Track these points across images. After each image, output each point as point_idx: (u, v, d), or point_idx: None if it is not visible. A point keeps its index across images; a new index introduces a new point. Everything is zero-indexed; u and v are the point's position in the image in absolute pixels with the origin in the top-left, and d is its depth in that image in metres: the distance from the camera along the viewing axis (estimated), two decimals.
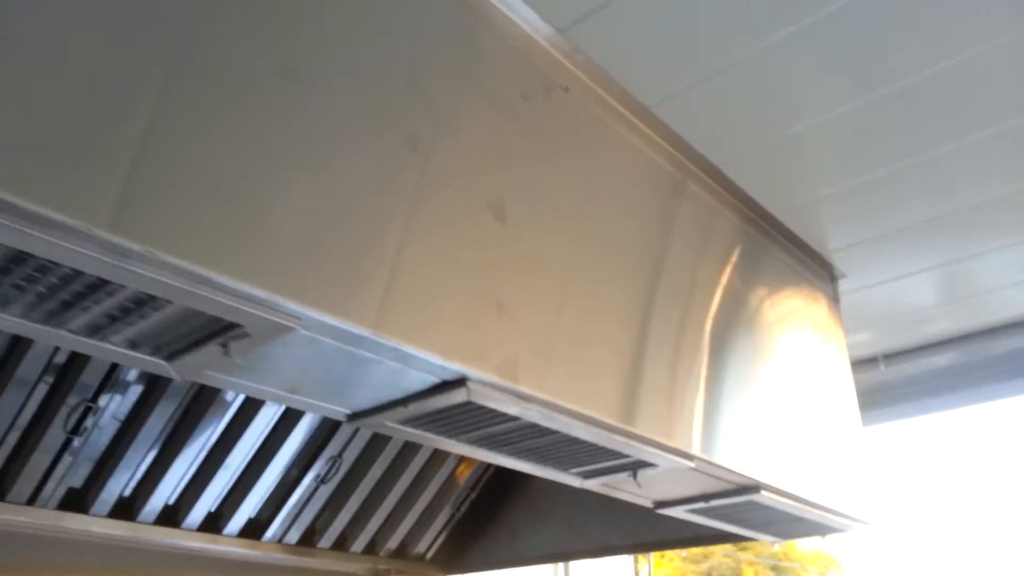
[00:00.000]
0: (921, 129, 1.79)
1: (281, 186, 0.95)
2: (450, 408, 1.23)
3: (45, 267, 0.81)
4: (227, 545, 2.46)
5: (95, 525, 2.21)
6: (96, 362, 2.00)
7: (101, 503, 2.22)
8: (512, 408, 1.24)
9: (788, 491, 1.83)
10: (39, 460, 2.03)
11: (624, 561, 3.96)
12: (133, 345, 1.00)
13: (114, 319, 0.93)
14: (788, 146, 1.83)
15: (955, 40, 1.53)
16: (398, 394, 1.20)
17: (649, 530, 2.56)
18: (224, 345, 0.97)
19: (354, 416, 1.27)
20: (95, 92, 0.79)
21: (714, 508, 1.90)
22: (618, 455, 1.51)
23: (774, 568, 20.23)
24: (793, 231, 2.18)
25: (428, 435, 1.36)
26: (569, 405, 1.28)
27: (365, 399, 1.23)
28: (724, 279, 1.86)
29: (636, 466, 1.58)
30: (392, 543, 2.86)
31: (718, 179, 1.91)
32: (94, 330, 0.95)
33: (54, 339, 0.94)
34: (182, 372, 1.05)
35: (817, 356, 2.22)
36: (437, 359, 1.08)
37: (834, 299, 2.41)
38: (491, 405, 1.22)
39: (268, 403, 2.30)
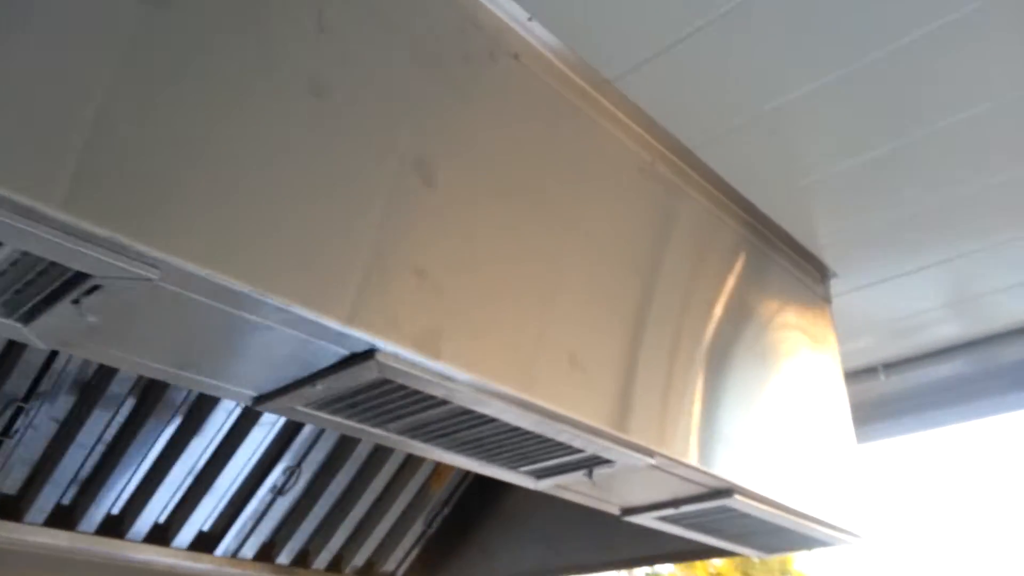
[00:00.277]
0: (916, 102, 1.64)
1: (146, 118, 0.83)
2: (365, 388, 1.09)
3: None
4: (176, 558, 2.31)
5: (30, 534, 2.07)
6: (31, 356, 1.88)
7: (37, 511, 2.08)
8: (436, 389, 1.10)
9: (767, 497, 1.67)
10: None
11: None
12: None
13: None
14: (767, 124, 1.70)
15: None
16: (303, 371, 1.06)
17: (630, 545, 2.40)
18: (76, 302, 0.84)
19: (260, 399, 1.14)
20: None
21: (686, 515, 1.74)
22: (569, 449, 1.36)
23: None
24: (778, 223, 2.03)
25: (349, 423, 1.22)
26: (504, 388, 1.14)
27: (268, 378, 1.09)
28: (693, 267, 1.72)
29: (591, 463, 1.44)
30: (358, 560, 2.70)
31: (690, 162, 1.77)
32: None
33: None
34: (43, 337, 0.92)
35: (806, 359, 2.07)
36: (335, 324, 0.94)
37: (825, 299, 2.26)
38: (410, 384, 1.08)
39: (220, 407, 2.17)
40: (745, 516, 1.75)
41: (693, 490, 1.65)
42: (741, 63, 1.56)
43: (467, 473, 2.75)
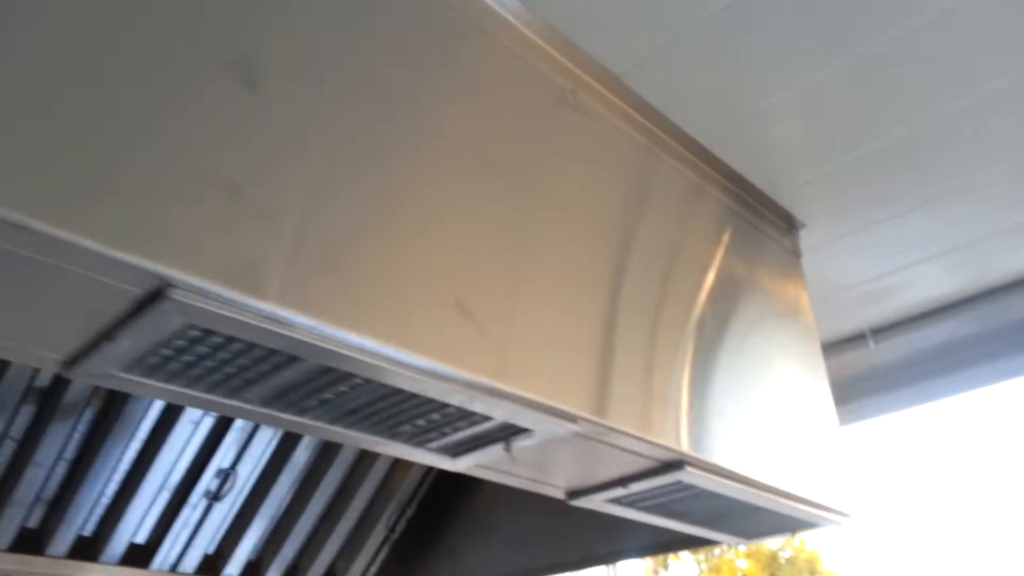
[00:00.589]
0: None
1: None
2: (176, 340, 0.89)
3: None
4: (105, 574, 2.12)
5: None
6: None
7: None
8: (273, 339, 0.90)
9: (727, 469, 1.46)
10: None
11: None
12: None
13: None
14: (705, 37, 1.49)
15: None
16: (95, 320, 0.86)
17: (605, 540, 2.19)
18: None
19: (69, 363, 0.94)
20: None
21: (638, 495, 1.53)
22: (473, 417, 1.16)
23: None
24: (728, 163, 1.81)
25: (193, 393, 1.02)
26: (367, 338, 0.94)
27: (66, 334, 0.90)
28: (628, 211, 1.51)
29: (506, 433, 1.23)
30: (316, 569, 2.50)
31: (616, 89, 1.57)
32: None
33: None
34: None
35: (775, 320, 1.85)
36: (98, 247, 0.74)
37: (795, 253, 2.04)
38: (234, 333, 0.88)
39: (134, 402, 1.98)
40: (708, 494, 1.54)
41: (641, 465, 1.43)
42: None
43: (429, 470, 2.54)
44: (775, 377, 1.74)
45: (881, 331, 2.62)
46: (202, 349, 0.93)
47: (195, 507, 2.17)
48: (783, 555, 19.96)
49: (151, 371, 0.96)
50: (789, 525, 1.76)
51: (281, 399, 1.07)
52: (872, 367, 2.79)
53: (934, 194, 1.95)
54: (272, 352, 0.94)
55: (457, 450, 1.29)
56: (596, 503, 1.56)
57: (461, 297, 1.07)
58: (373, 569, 2.61)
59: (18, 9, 0.76)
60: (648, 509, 1.64)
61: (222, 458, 2.14)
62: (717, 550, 21.61)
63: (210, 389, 1.03)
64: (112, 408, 1.95)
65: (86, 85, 0.78)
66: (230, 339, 0.90)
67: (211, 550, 2.31)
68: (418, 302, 1.02)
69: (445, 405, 1.11)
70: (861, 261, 2.26)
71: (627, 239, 1.47)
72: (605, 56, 1.51)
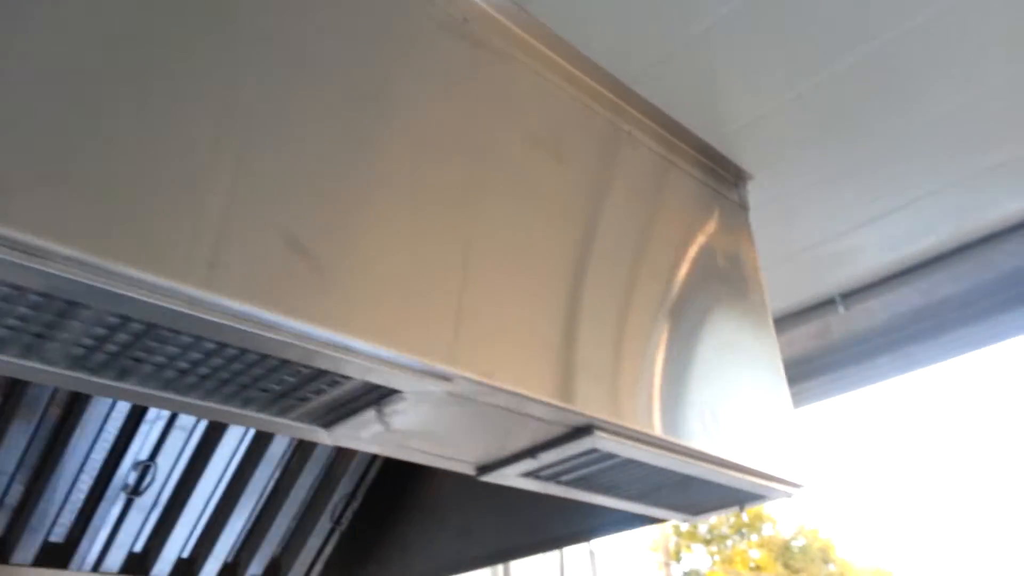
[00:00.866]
0: None
1: None
2: None
3: None
4: None
5: None
6: None
7: None
8: (29, 277, 0.75)
9: (647, 434, 1.30)
10: None
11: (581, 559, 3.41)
12: None
13: None
14: None
15: None
16: None
17: (552, 525, 2.05)
18: None
19: None
20: None
21: (552, 467, 1.38)
22: (328, 376, 1.01)
23: None
24: (652, 101, 1.65)
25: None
26: (155, 276, 0.79)
27: None
28: (539, 154, 1.36)
29: (375, 396, 1.09)
30: (256, 567, 2.36)
31: (521, 20, 1.42)
32: None
33: None
34: None
35: (715, 276, 1.70)
36: None
37: (742, 206, 1.88)
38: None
39: (41, 392, 1.84)
40: (632, 464, 1.39)
41: (550, 432, 1.29)
42: None
43: (374, 458, 2.40)
44: (716, 339, 1.59)
45: (851, 295, 2.46)
46: None
47: (113, 502, 2.03)
48: (796, 544, 19.77)
49: None
50: (732, 497, 1.61)
51: (87, 360, 0.92)
52: (843, 335, 2.63)
53: (897, 132, 1.78)
54: (47, 297, 0.80)
55: (327, 419, 1.15)
56: (510, 478, 1.42)
57: (295, 233, 0.92)
58: (320, 563, 2.47)
59: None
60: (572, 484, 1.49)
61: (138, 450, 2.00)
62: (729, 542, 21.45)
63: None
64: (12, 396, 1.82)
65: None
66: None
67: (138, 548, 2.17)
68: (235, 234, 0.87)
69: (286, 362, 0.96)
70: (822, 216, 2.10)
71: (522, 176, 1.32)
72: None
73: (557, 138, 1.42)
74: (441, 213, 1.12)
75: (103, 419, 1.90)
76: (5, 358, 0.90)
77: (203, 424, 2.06)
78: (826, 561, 19.30)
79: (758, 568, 20.37)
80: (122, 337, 0.88)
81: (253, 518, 2.30)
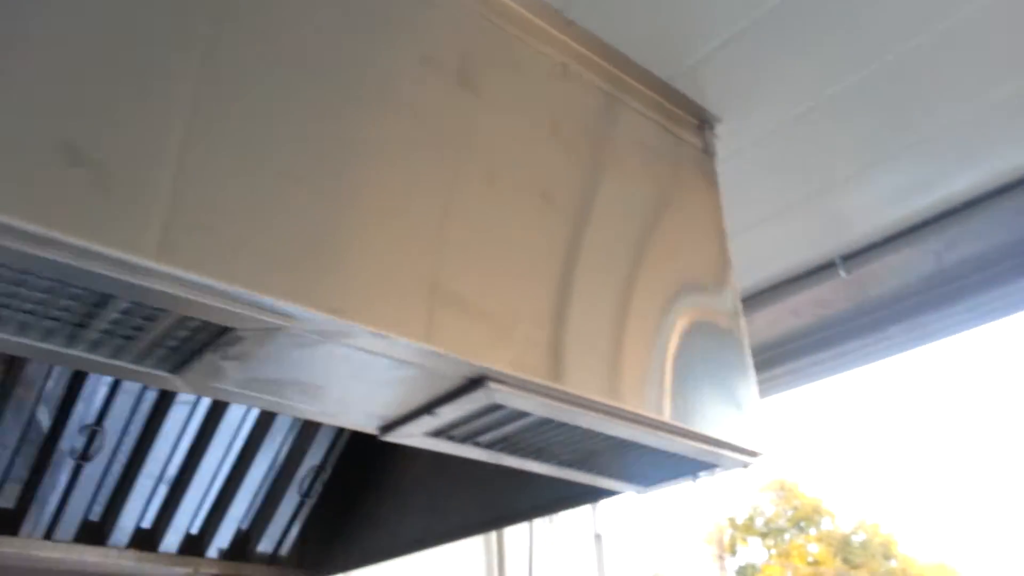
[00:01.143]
0: None
1: None
2: None
3: None
4: None
5: None
6: None
7: None
8: None
9: (555, 388, 1.16)
10: None
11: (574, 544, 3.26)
12: None
13: None
14: None
15: None
16: None
17: (512, 499, 1.92)
18: None
19: None
20: None
21: (462, 427, 1.25)
22: (143, 310, 0.90)
23: None
24: (591, 31, 1.49)
25: None
26: None
27: None
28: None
29: (208, 336, 0.97)
30: (222, 540, 2.29)
31: None
32: None
33: None
34: None
35: (673, 232, 1.54)
36: None
37: (705, 154, 1.71)
38: None
39: None
40: (552, 424, 1.25)
41: (443, 385, 1.16)
42: None
43: (340, 431, 2.31)
44: (659, 296, 1.43)
45: (853, 256, 2.24)
46: None
47: (60, 466, 1.97)
48: (856, 539, 19.17)
49: None
50: (682, 466, 1.46)
51: None
52: (848, 307, 2.42)
53: (897, 50, 1.56)
54: None
55: (172, 363, 1.04)
56: (416, 438, 1.29)
57: (68, 138, 0.81)
58: (291, 537, 2.39)
59: None
60: (495, 448, 1.35)
61: (84, 412, 1.94)
62: (787, 535, 20.93)
63: None
64: None
65: None
66: None
67: (93, 517, 2.12)
68: (5, 144, 0.77)
69: (86, 291, 0.86)
70: (811, 163, 1.90)
71: (400, 90, 1.19)
72: None
73: (461, 61, 1.28)
74: (296, 128, 1.00)
75: (43, 378, 1.84)
76: None
77: (152, 390, 1.99)
78: (887, 557, 18.66)
79: (816, 563, 19.84)
80: None
81: (216, 488, 2.22)
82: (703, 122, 1.71)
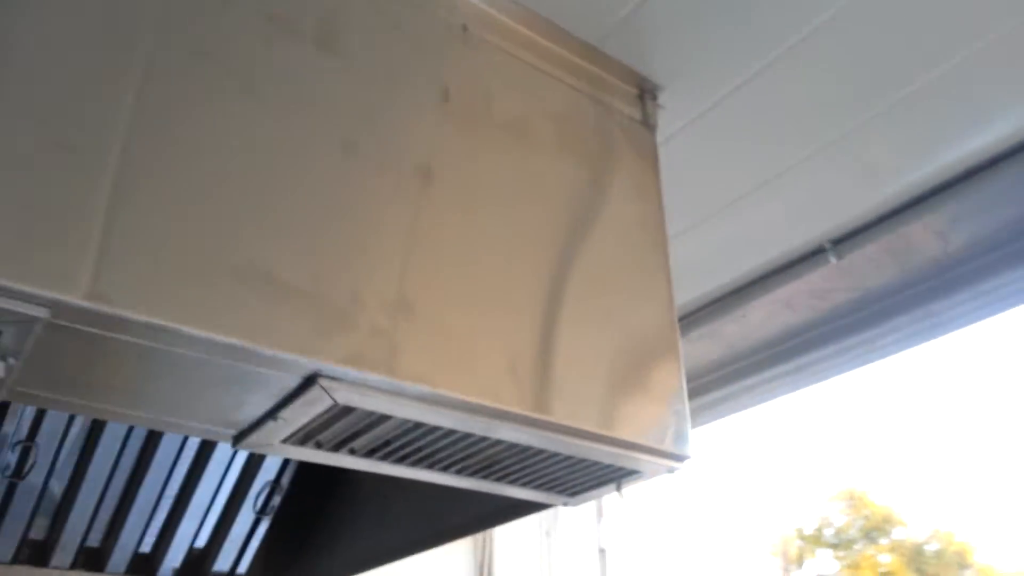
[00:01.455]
0: None
1: None
2: None
3: None
4: None
5: None
6: None
7: None
8: None
9: (410, 387, 1.01)
10: None
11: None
12: None
13: None
14: None
15: None
16: None
17: (451, 514, 1.76)
18: None
19: None
20: None
21: (317, 432, 1.10)
22: None
23: None
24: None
25: None
26: None
27: None
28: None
29: None
30: (174, 558, 2.18)
31: None
32: None
33: None
34: None
35: (607, 208, 1.37)
36: None
37: (645, 127, 1.52)
38: None
39: None
40: (427, 429, 1.09)
41: (279, 386, 1.01)
42: None
43: None
44: (575, 284, 1.26)
45: (843, 240, 2.01)
46: None
47: None
48: (929, 548, 18.30)
49: None
50: (598, 473, 1.28)
51: None
52: (841, 302, 2.20)
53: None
54: None
55: None
56: (273, 447, 1.14)
57: None
58: (248, 555, 2.27)
59: None
60: (374, 455, 1.20)
61: (14, 430, 1.85)
62: (857, 546, 20.13)
63: None
64: None
65: None
66: None
67: (35, 535, 2.03)
68: None
69: None
70: (780, 132, 1.70)
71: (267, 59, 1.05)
72: None
73: (319, 21, 1.14)
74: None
75: None
76: None
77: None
78: (963, 566, 17.74)
79: (888, 574, 19.02)
80: None
81: (165, 505, 2.12)
82: (643, 91, 1.53)
